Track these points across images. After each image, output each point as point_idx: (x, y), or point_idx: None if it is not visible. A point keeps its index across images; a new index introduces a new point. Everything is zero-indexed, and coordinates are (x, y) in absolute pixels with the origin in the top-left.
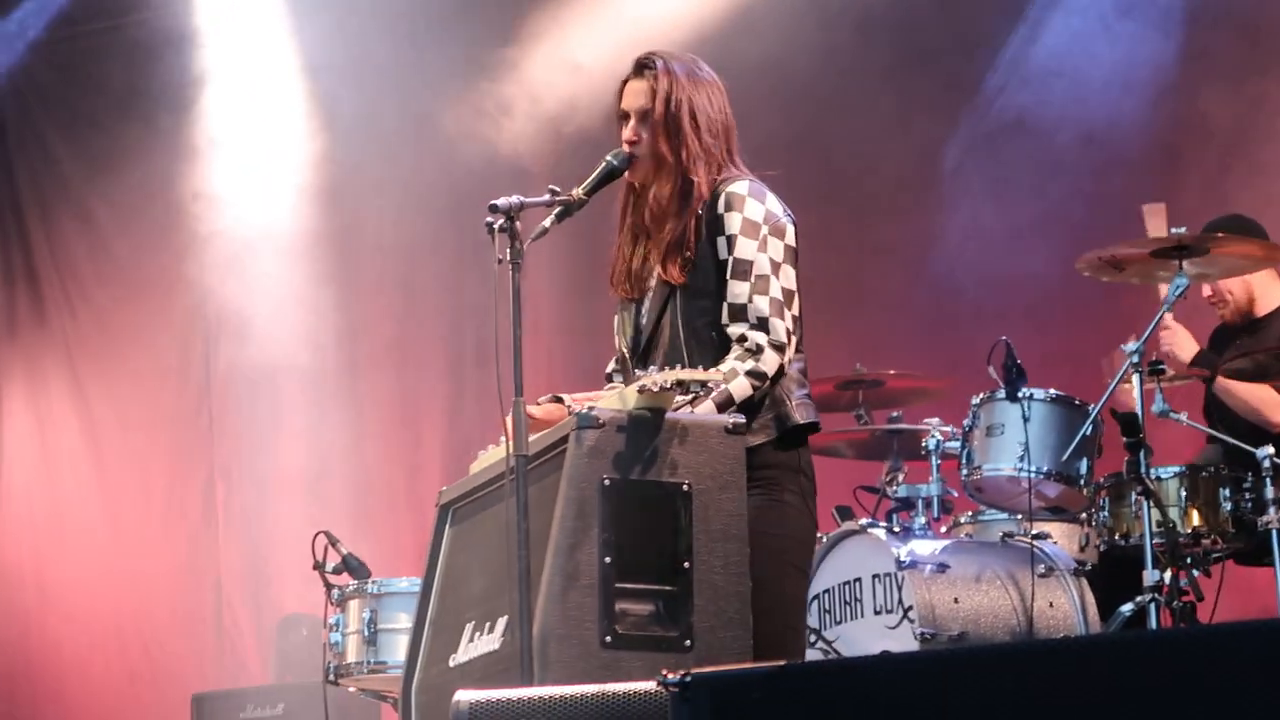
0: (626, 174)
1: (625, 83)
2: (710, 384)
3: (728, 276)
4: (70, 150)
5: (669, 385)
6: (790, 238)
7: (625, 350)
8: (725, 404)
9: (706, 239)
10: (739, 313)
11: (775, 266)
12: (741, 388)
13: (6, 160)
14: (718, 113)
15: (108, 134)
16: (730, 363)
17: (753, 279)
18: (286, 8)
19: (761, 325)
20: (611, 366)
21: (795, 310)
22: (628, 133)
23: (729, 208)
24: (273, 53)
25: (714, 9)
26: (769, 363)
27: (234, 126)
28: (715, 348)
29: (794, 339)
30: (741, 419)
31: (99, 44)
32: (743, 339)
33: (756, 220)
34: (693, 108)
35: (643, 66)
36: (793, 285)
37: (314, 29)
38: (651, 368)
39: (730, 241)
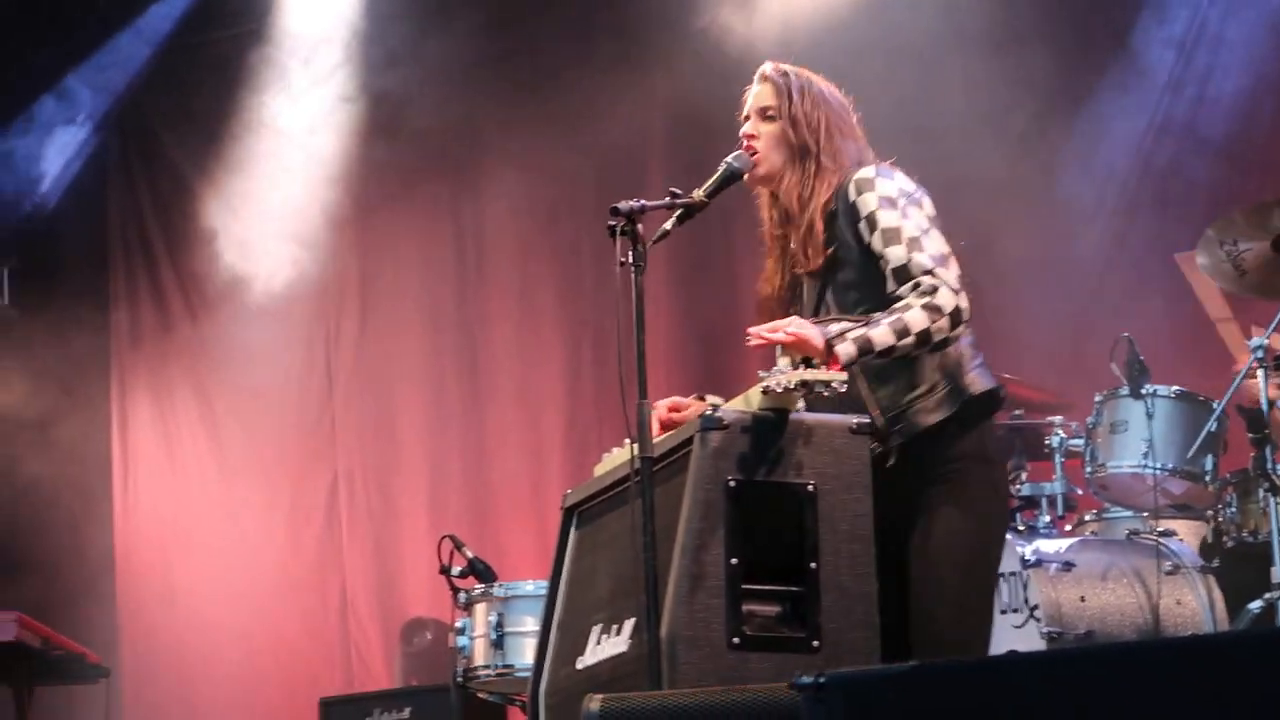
0: (749, 175)
1: (745, 92)
2: (834, 384)
3: (880, 248)
4: (191, 161)
5: (793, 386)
6: (929, 207)
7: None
8: (901, 331)
9: (846, 228)
10: (903, 273)
11: (925, 228)
12: (917, 317)
13: (128, 171)
14: (837, 107)
15: (229, 144)
16: (906, 298)
17: (905, 240)
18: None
19: (929, 273)
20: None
21: (958, 271)
22: (747, 127)
23: (860, 192)
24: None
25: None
26: (944, 299)
27: (350, 134)
28: None
29: (963, 286)
30: (867, 419)
31: (220, 53)
32: (917, 284)
33: (891, 194)
34: (812, 102)
35: (763, 76)
36: (945, 249)
37: (426, 34)
38: (775, 369)
39: (870, 220)
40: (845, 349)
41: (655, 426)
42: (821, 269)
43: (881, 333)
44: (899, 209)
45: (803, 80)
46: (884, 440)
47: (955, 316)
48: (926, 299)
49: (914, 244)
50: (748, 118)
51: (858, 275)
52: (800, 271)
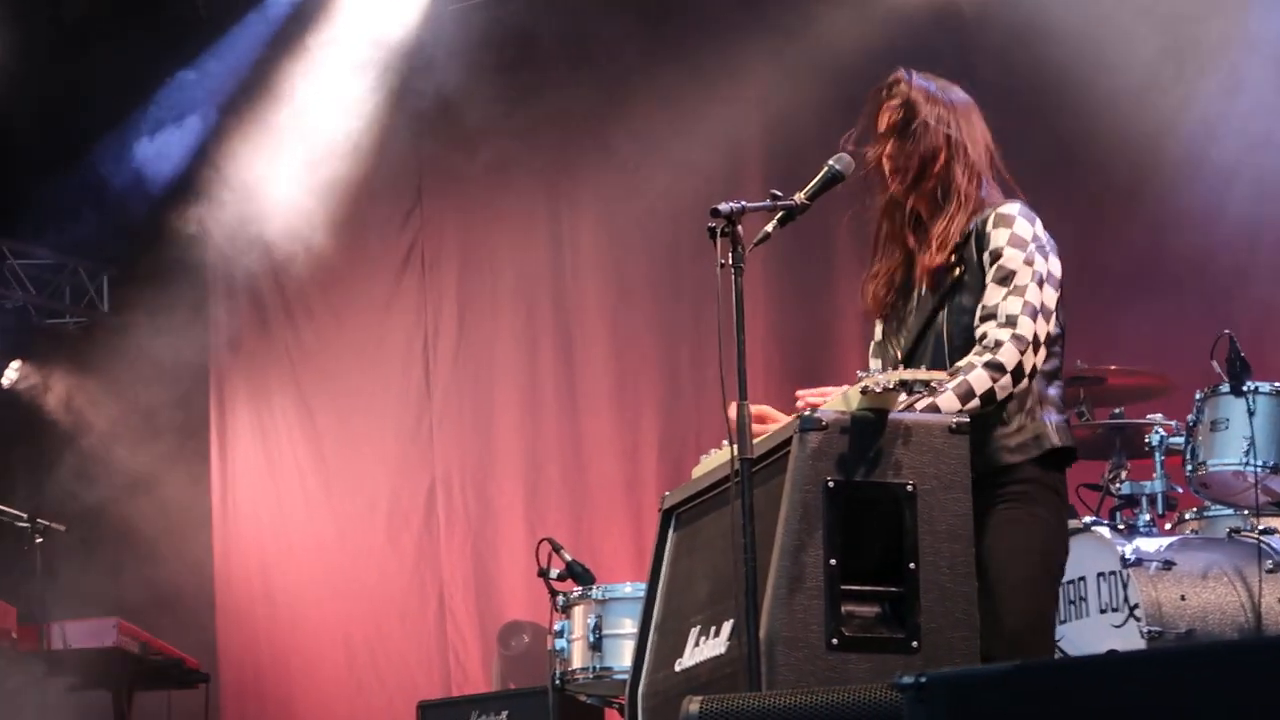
0: (892, 188)
1: (879, 101)
2: (934, 383)
3: (988, 282)
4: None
5: (892, 385)
6: (1056, 265)
7: (887, 360)
8: (965, 395)
9: (975, 257)
10: (989, 314)
11: (1039, 280)
12: (980, 379)
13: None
14: (976, 130)
15: (327, 149)
16: (969, 357)
17: (1011, 285)
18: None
19: (1009, 323)
20: (871, 352)
21: (1051, 326)
22: (888, 149)
23: (997, 225)
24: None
25: None
26: (1007, 355)
27: (447, 138)
28: None
29: (1040, 346)
30: (966, 419)
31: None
32: (984, 335)
33: (1025, 238)
34: (948, 122)
35: (894, 83)
36: (1052, 305)
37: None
38: (874, 368)
39: (996, 254)
40: (967, 417)
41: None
42: (945, 288)
43: (947, 400)
44: (1025, 253)
45: (936, 88)
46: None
47: (1018, 373)
48: (988, 356)
49: (1017, 290)
50: (881, 130)
51: (974, 303)
52: (920, 282)
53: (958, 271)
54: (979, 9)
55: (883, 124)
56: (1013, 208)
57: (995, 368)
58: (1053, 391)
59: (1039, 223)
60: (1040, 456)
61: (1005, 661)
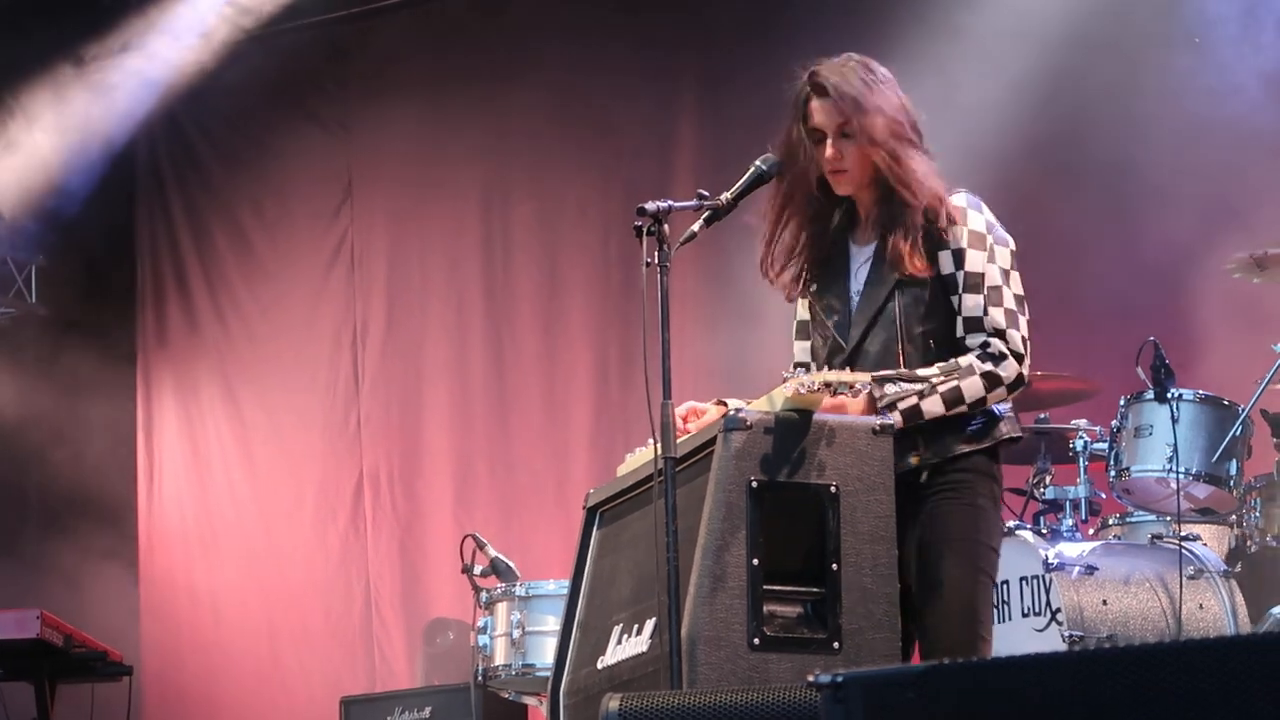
0: (840, 190)
1: (807, 101)
2: (857, 385)
3: (960, 291)
4: (219, 160)
5: (816, 387)
6: (1012, 245)
7: (821, 352)
8: (954, 401)
9: (926, 251)
10: (975, 325)
11: (1005, 275)
12: (974, 386)
13: (156, 169)
14: (901, 112)
15: (257, 143)
16: (970, 359)
17: (986, 290)
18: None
19: (999, 335)
20: (789, 374)
21: (1027, 317)
22: (829, 153)
23: (951, 221)
24: (417, 63)
25: None
26: (1008, 370)
27: (379, 133)
28: (936, 357)
29: (1029, 348)
30: (889, 420)
31: (254, 52)
32: (985, 345)
33: (981, 231)
34: (883, 114)
35: (820, 82)
36: (1021, 292)
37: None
38: (798, 370)
39: (958, 256)
40: (893, 420)
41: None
42: (895, 277)
43: (933, 404)
44: (986, 249)
45: (865, 78)
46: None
47: (1014, 385)
48: (989, 366)
49: (994, 295)
50: (817, 133)
51: (929, 299)
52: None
53: (905, 261)
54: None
55: (820, 124)
56: (961, 199)
57: (992, 379)
58: None
59: (985, 207)
60: (990, 449)
61: (934, 654)
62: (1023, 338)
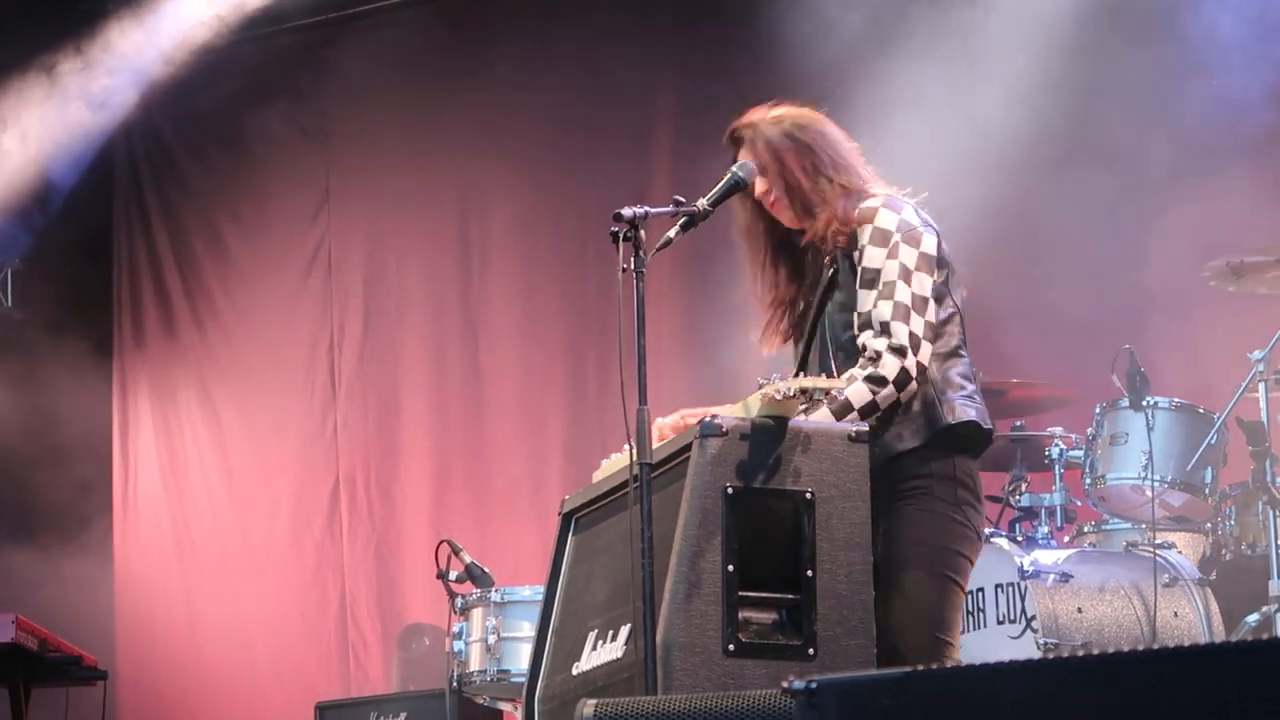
0: (783, 221)
1: (734, 154)
2: (834, 391)
3: (856, 288)
4: (197, 164)
5: (792, 393)
6: (928, 245)
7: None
8: (843, 410)
9: (844, 258)
10: (865, 320)
11: (905, 273)
12: (859, 393)
13: (134, 175)
14: (830, 148)
15: (234, 148)
16: (853, 369)
17: (880, 286)
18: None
19: (883, 330)
20: None
21: (929, 317)
22: (759, 189)
23: (861, 221)
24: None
25: None
26: (887, 367)
27: (357, 144)
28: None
29: (921, 344)
30: (864, 427)
31: (230, 57)
32: (864, 347)
33: (888, 229)
34: (795, 150)
35: (737, 139)
36: (926, 291)
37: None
38: (775, 376)
39: (860, 253)
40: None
41: (656, 433)
42: (822, 288)
43: (821, 416)
44: (888, 246)
45: (776, 130)
46: None
47: (901, 381)
48: (870, 369)
49: (886, 289)
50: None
51: (850, 301)
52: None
53: (831, 272)
54: None
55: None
56: (876, 201)
57: (876, 381)
58: (955, 372)
59: (908, 208)
60: (935, 438)
61: (900, 662)
62: (910, 332)
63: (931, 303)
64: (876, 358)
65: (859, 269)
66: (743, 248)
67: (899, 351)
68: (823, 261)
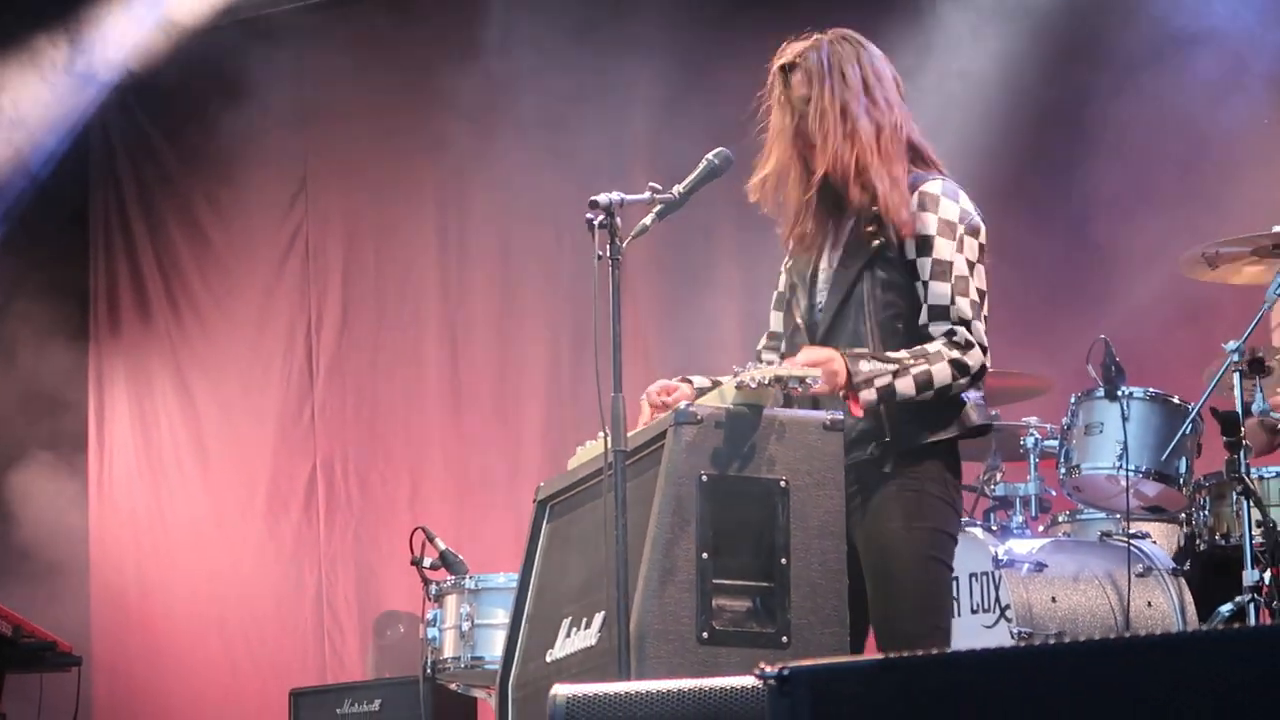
0: (812, 164)
1: (784, 75)
2: (808, 380)
3: (927, 278)
4: (174, 149)
5: (767, 381)
6: (983, 237)
7: (800, 328)
8: (925, 384)
9: (896, 234)
10: (941, 313)
11: (971, 267)
12: (943, 372)
13: (111, 158)
14: (888, 89)
15: (212, 134)
16: (938, 345)
17: (953, 279)
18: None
19: (964, 325)
20: (763, 344)
21: (986, 312)
22: (811, 117)
23: (923, 207)
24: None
25: None
26: (974, 358)
27: (335, 129)
28: (902, 341)
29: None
30: (839, 415)
31: (204, 43)
32: (951, 333)
33: (952, 220)
34: (857, 90)
35: (791, 64)
36: (985, 286)
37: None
38: (750, 364)
39: (927, 242)
40: (868, 395)
41: (646, 413)
42: (863, 259)
43: (906, 384)
44: (956, 238)
45: (839, 54)
46: (878, 443)
47: (977, 375)
48: (957, 354)
49: (960, 284)
50: (790, 105)
51: (897, 281)
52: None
53: (876, 244)
54: None
55: (792, 97)
56: (935, 186)
57: (960, 367)
58: None
59: (963, 195)
60: (952, 437)
61: (890, 642)
62: (983, 329)
63: (988, 296)
64: (967, 346)
65: (926, 259)
66: (772, 153)
67: (983, 349)
68: (864, 230)
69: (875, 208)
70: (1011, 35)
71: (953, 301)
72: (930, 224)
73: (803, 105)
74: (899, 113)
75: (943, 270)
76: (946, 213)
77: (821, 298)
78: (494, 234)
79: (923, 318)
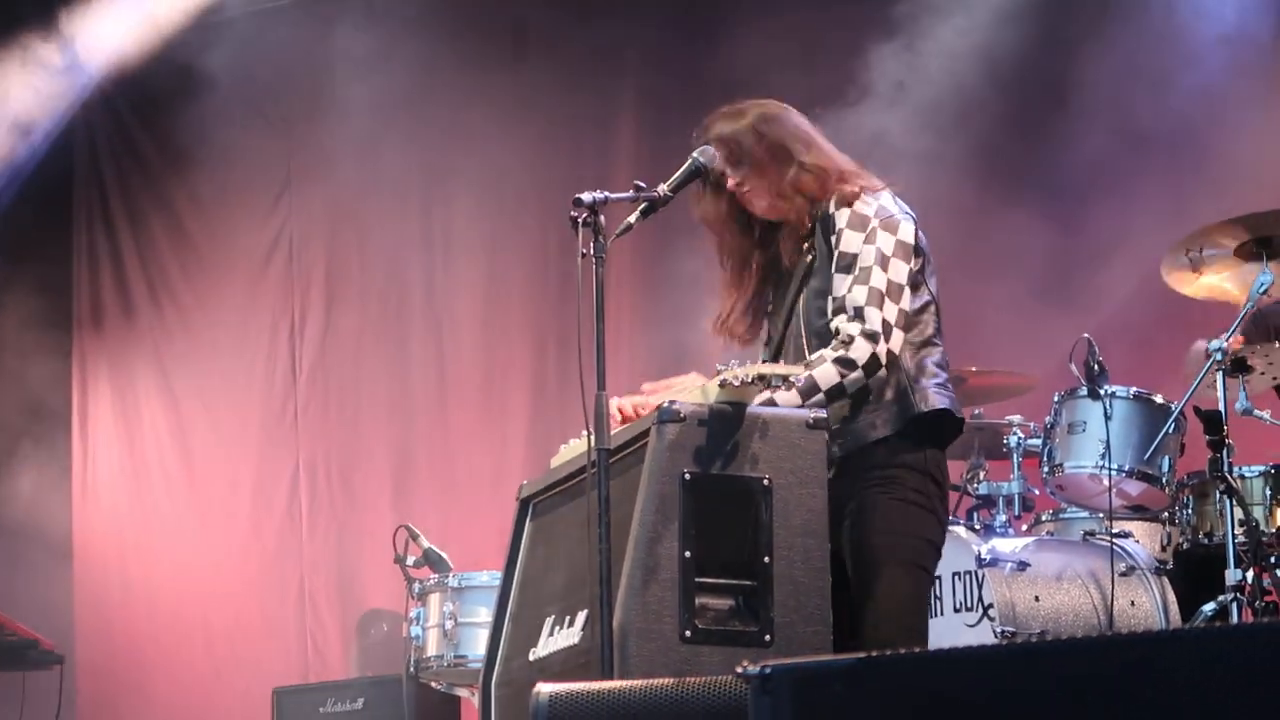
0: (754, 211)
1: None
2: (792, 378)
3: (833, 272)
4: (158, 148)
5: (750, 379)
6: (905, 234)
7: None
8: (809, 390)
9: (823, 242)
10: (838, 304)
11: (882, 259)
12: (827, 374)
13: (93, 155)
14: (799, 135)
15: (195, 133)
16: (822, 351)
17: (856, 271)
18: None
19: (857, 315)
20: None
21: (903, 304)
22: (730, 181)
23: (839, 206)
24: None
25: None
26: (858, 351)
27: (318, 129)
28: None
29: (893, 330)
30: (823, 414)
31: (187, 42)
32: (837, 330)
33: (866, 214)
34: (768, 145)
35: (707, 134)
36: (902, 279)
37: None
38: (733, 361)
39: (838, 237)
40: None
41: (630, 411)
42: (800, 274)
43: (788, 397)
44: (866, 232)
45: (743, 124)
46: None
47: (871, 366)
48: (840, 352)
49: (861, 275)
50: (720, 174)
51: (825, 286)
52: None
53: (809, 259)
54: None
55: (718, 167)
56: (853, 186)
57: (845, 364)
58: (930, 361)
59: (885, 194)
60: (907, 428)
61: (870, 643)
62: (883, 319)
63: (906, 290)
64: (849, 341)
65: (835, 253)
66: (713, 237)
67: (871, 337)
68: (801, 248)
69: (809, 222)
70: (995, 24)
71: (849, 290)
72: (842, 219)
73: (727, 162)
74: (811, 142)
75: (847, 262)
76: (861, 208)
77: (777, 323)
78: (479, 233)
79: (827, 314)
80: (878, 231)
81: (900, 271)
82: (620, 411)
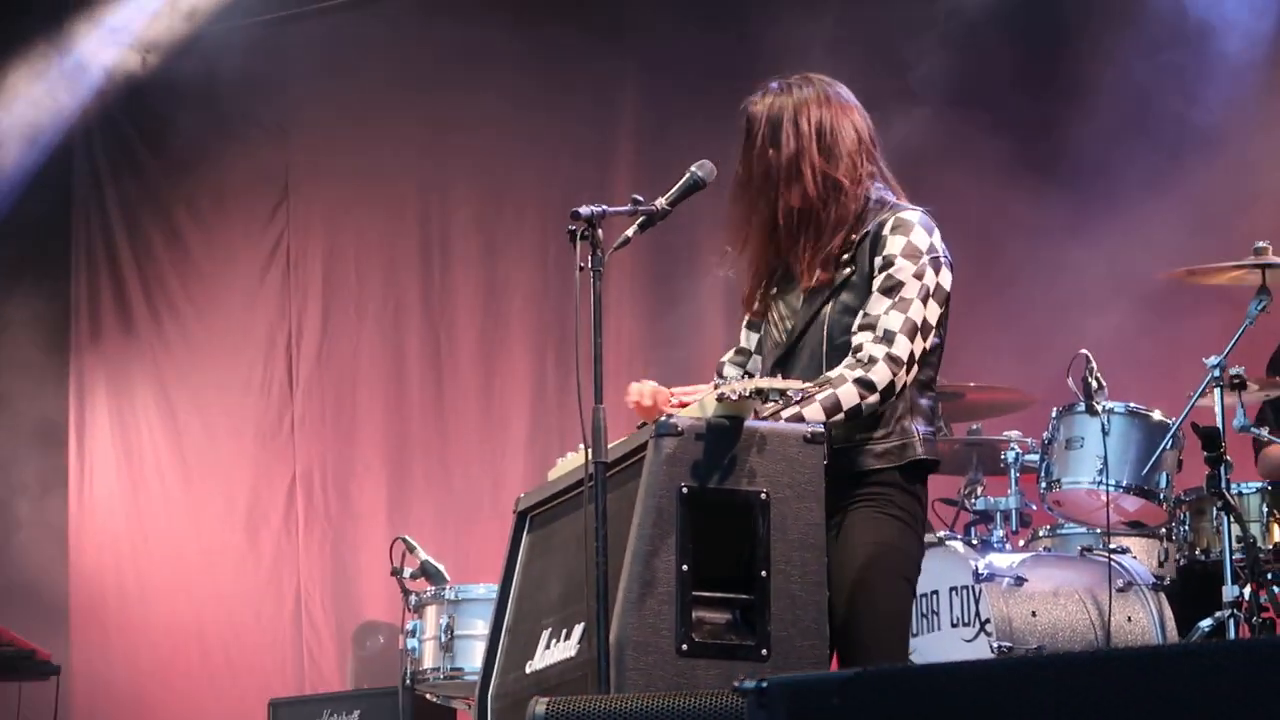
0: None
1: (744, 120)
2: (790, 393)
3: (875, 290)
4: (157, 160)
5: (748, 393)
6: (947, 280)
7: (769, 350)
8: (832, 409)
9: (868, 258)
10: (869, 323)
11: (925, 295)
12: (849, 394)
13: (93, 170)
14: (849, 127)
15: (194, 143)
16: (840, 369)
17: (896, 298)
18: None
19: (885, 339)
20: (727, 357)
21: (928, 344)
22: (779, 158)
23: (895, 230)
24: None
25: None
26: (879, 374)
27: (317, 140)
28: None
29: (915, 364)
30: (819, 428)
31: (185, 54)
32: (859, 348)
33: (920, 248)
34: (820, 128)
35: (753, 102)
36: (934, 320)
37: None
38: (731, 375)
39: (888, 261)
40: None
41: (649, 401)
42: (833, 285)
43: (813, 411)
44: (917, 265)
45: (800, 96)
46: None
47: (887, 392)
48: (860, 372)
49: (901, 304)
50: (751, 146)
51: (856, 303)
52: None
53: (848, 271)
54: None
55: (752, 140)
56: (913, 215)
57: (865, 385)
58: (924, 402)
59: (938, 233)
60: (904, 466)
61: (856, 659)
62: (910, 351)
63: (935, 334)
64: (870, 362)
65: (882, 274)
66: (740, 205)
67: (895, 362)
68: (838, 259)
69: (854, 236)
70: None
71: (885, 313)
72: (896, 245)
73: (764, 161)
74: (860, 140)
75: (891, 287)
76: (918, 239)
77: (790, 324)
78: (476, 244)
79: (853, 328)
80: (928, 269)
81: (934, 313)
82: (640, 399)
